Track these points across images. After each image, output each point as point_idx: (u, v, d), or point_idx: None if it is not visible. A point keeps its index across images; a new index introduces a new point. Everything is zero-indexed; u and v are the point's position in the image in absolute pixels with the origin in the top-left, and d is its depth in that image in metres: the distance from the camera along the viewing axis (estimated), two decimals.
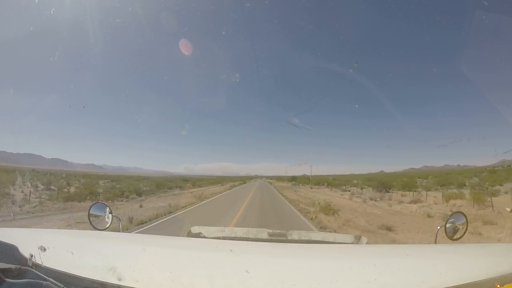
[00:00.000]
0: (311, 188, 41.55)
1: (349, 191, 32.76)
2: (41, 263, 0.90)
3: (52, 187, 24.99)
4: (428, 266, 0.99)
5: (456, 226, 1.58)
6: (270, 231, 1.65)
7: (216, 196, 23.80)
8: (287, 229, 1.71)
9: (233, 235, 1.64)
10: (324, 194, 27.39)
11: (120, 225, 1.79)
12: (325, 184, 45.74)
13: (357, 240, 1.61)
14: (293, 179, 68.62)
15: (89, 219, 1.73)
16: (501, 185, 23.90)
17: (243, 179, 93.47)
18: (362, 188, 33.94)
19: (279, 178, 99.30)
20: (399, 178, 39.34)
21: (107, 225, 1.72)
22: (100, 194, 21.40)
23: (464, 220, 1.58)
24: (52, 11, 13.54)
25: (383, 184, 31.01)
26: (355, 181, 42.68)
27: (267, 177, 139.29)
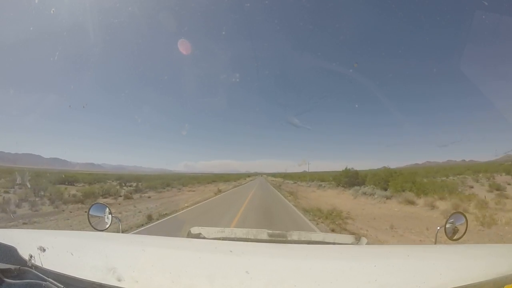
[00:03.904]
0: None
1: None
2: (40, 264, 0.89)
3: None
4: (429, 266, 0.99)
5: (456, 227, 1.57)
6: (270, 231, 1.65)
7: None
8: (287, 229, 1.71)
9: (233, 236, 1.64)
10: None
11: (120, 226, 1.78)
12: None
13: (357, 240, 1.61)
14: (347, 174, 26.72)
15: (88, 220, 1.73)
16: None
17: (238, 176, 74.77)
18: None
19: (289, 176, 58.71)
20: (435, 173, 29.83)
21: (107, 226, 1.72)
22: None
23: (464, 220, 1.58)
24: (52, 11, 13.50)
25: None
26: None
27: (268, 174, 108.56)
